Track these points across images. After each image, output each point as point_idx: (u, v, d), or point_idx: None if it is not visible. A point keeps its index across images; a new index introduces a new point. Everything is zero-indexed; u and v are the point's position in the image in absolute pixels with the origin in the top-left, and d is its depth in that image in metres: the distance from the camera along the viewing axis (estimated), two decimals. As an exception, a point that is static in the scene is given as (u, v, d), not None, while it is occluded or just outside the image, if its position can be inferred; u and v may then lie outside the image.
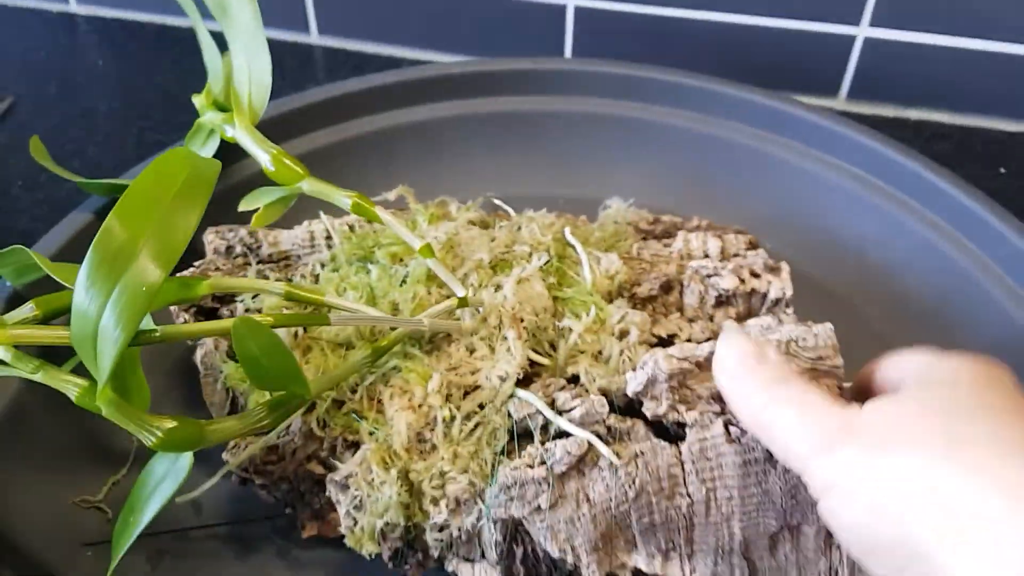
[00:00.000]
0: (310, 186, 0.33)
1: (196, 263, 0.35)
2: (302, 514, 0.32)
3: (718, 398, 0.28)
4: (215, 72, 0.37)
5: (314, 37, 0.61)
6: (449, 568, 0.30)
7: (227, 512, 0.34)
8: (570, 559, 0.27)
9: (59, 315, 0.28)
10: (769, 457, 0.26)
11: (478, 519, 0.28)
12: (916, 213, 0.43)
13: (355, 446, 0.30)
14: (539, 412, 0.28)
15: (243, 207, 0.33)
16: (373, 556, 0.29)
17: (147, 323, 0.27)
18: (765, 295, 0.34)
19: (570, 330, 0.31)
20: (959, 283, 0.41)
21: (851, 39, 0.54)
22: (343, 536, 0.29)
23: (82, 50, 0.63)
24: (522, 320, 0.31)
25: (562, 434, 0.28)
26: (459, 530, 0.28)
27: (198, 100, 0.36)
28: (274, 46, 0.33)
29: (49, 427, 0.34)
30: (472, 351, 0.31)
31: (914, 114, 0.56)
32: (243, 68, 0.34)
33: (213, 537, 0.33)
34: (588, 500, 0.27)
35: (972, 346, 0.39)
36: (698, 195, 0.46)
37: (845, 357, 0.36)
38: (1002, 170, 0.52)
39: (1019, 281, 0.39)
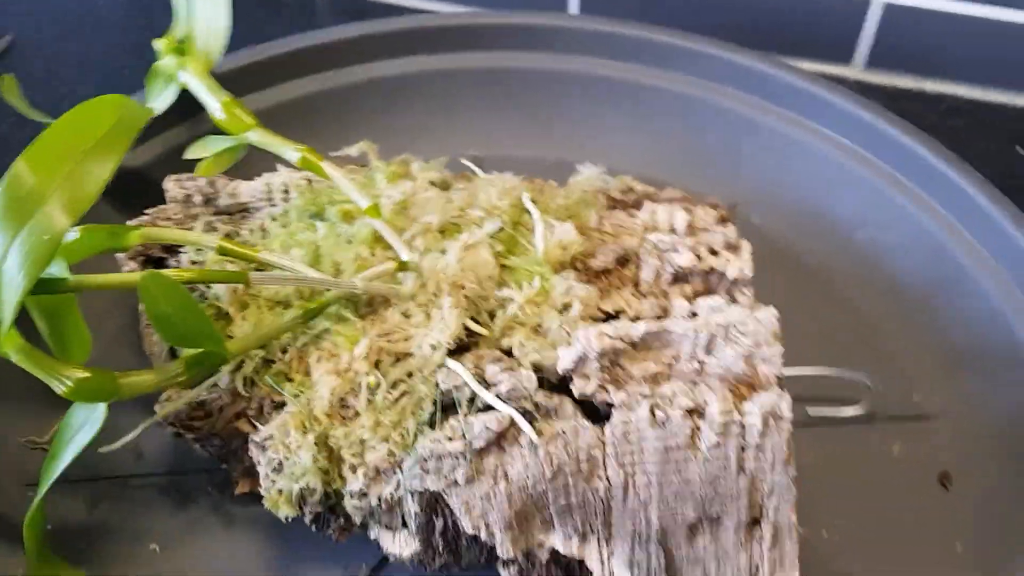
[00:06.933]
0: (259, 137, 0.32)
1: (149, 210, 0.35)
2: (235, 471, 0.32)
3: (651, 380, 0.27)
4: (180, 15, 0.36)
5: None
6: (372, 535, 0.29)
7: (167, 462, 0.34)
8: (484, 535, 0.27)
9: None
10: (691, 444, 0.25)
11: (397, 488, 0.27)
12: (912, 195, 0.41)
13: (282, 407, 0.29)
14: (467, 384, 0.28)
15: (188, 155, 0.32)
16: (290, 519, 0.28)
17: (63, 272, 0.26)
18: (724, 274, 0.32)
19: (510, 300, 0.30)
20: (950, 271, 0.39)
21: (867, 4, 0.51)
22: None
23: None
24: (463, 288, 0.30)
25: (488, 408, 0.27)
26: (379, 499, 0.28)
27: (158, 44, 0.35)
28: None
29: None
30: (408, 317, 0.30)
31: (931, 86, 0.53)
32: (199, 11, 0.33)
33: (151, 486, 0.33)
34: (506, 477, 0.26)
35: (955, 337, 0.38)
36: (685, 162, 0.44)
37: (823, 338, 0.35)
38: (1019, 148, 0.49)
39: (1013, 275, 0.37)
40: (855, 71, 0.54)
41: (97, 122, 0.26)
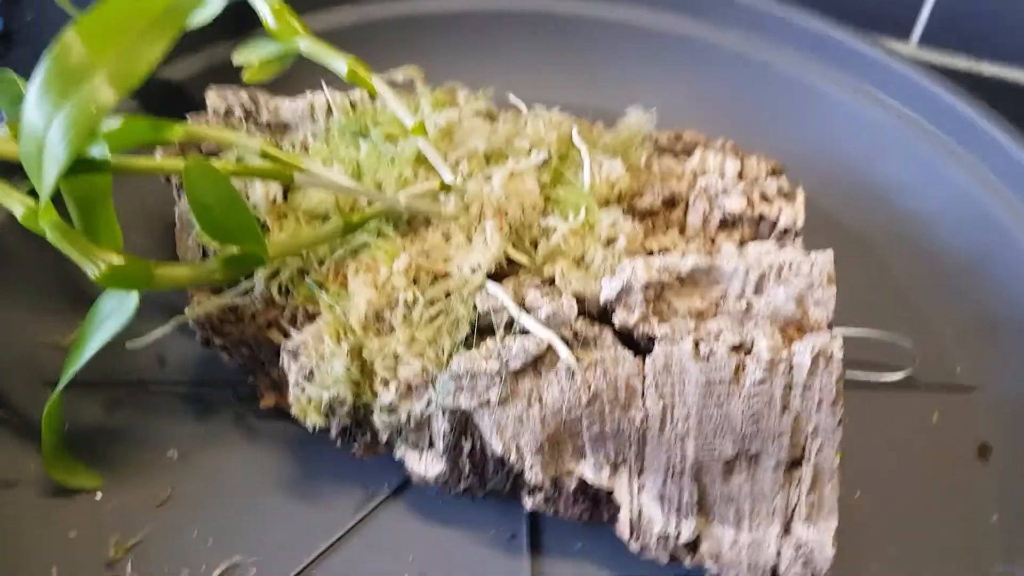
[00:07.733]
0: (307, 45, 0.31)
1: (189, 114, 0.34)
2: (261, 383, 0.31)
3: (695, 315, 0.26)
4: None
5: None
6: (397, 454, 0.29)
7: (191, 372, 0.33)
8: (514, 458, 0.26)
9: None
10: (735, 379, 0.24)
11: (428, 406, 0.27)
12: (963, 162, 0.39)
13: (316, 318, 0.29)
14: (505, 308, 0.27)
15: (236, 59, 0.31)
16: (317, 429, 0.28)
17: (104, 154, 0.25)
18: (775, 223, 0.31)
19: (554, 230, 0.29)
20: (997, 242, 0.38)
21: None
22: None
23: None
24: (506, 214, 0.29)
25: (526, 333, 0.27)
26: (408, 415, 0.27)
27: (210, -50, 0.35)
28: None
29: (28, 266, 0.34)
30: (448, 238, 0.29)
31: (988, 68, 0.51)
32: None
33: (172, 395, 0.33)
34: (540, 401, 0.26)
35: (999, 309, 0.37)
36: (730, 121, 0.43)
37: (863, 306, 0.34)
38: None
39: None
40: (910, 48, 0.52)
41: (150, 4, 0.25)
